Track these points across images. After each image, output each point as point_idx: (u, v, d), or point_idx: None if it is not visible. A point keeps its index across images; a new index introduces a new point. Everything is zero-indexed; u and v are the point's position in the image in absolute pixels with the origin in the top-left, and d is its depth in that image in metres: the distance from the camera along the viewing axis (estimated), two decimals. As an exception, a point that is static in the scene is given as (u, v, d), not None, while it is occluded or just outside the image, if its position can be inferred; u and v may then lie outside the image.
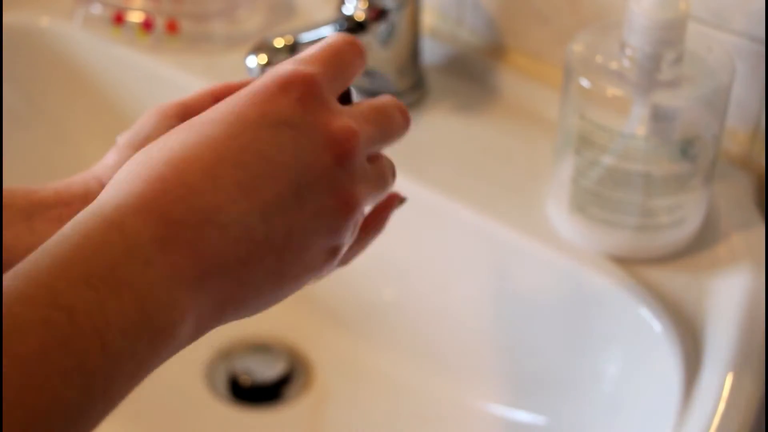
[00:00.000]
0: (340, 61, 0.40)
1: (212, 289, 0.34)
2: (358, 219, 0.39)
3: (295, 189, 0.36)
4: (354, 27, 0.69)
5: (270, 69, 0.38)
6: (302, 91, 0.37)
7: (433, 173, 0.69)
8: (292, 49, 0.65)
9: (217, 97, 0.43)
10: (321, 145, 0.37)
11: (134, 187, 0.34)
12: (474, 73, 0.77)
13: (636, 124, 0.58)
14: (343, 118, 0.38)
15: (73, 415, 0.29)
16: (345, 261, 0.44)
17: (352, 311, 0.75)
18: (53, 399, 0.29)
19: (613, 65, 0.58)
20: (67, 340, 0.29)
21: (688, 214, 0.61)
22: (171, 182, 0.34)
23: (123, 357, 0.31)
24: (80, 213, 0.33)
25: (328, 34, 0.68)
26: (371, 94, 0.74)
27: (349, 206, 0.38)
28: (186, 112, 0.43)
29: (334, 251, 0.39)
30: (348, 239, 0.39)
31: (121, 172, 0.35)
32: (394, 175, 0.43)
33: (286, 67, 0.38)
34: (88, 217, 0.33)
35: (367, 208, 0.42)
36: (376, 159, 0.41)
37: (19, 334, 0.29)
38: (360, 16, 0.69)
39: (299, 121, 0.37)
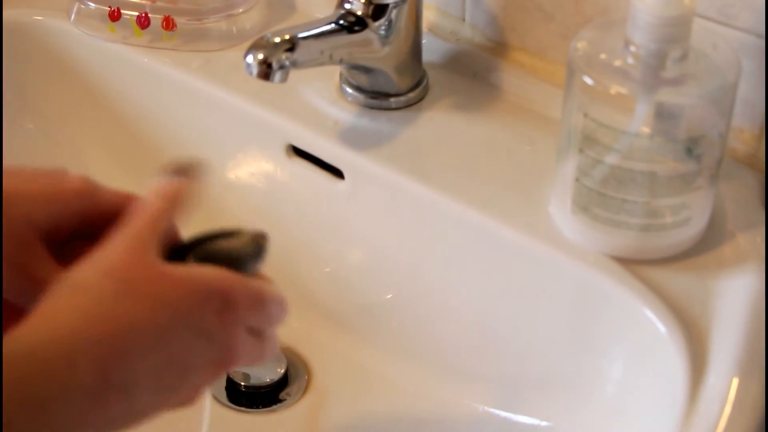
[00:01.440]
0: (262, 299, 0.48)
1: (84, 424, 0.41)
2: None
3: (183, 383, 0.46)
4: (354, 23, 0.69)
5: (200, 272, 0.46)
6: (236, 315, 0.46)
7: (434, 172, 0.68)
8: (291, 46, 0.65)
9: (123, 209, 0.48)
10: (219, 362, 0.46)
11: (91, 331, 0.41)
12: (476, 71, 0.76)
13: (640, 122, 0.57)
14: (240, 344, 0.47)
15: None
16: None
17: (351, 312, 0.75)
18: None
19: (617, 63, 0.57)
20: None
21: (693, 213, 0.60)
22: (119, 345, 0.42)
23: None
24: (42, 322, 0.41)
25: (327, 30, 0.68)
26: (372, 92, 0.73)
27: (199, 395, 0.48)
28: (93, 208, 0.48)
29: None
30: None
31: (79, 293, 0.42)
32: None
33: (240, 284, 0.46)
34: (48, 338, 0.40)
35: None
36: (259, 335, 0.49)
37: None
38: (360, 12, 0.69)
39: (220, 339, 0.45)
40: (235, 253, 0.49)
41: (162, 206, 0.47)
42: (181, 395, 0.47)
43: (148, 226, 0.45)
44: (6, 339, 0.40)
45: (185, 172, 0.49)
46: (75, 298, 0.42)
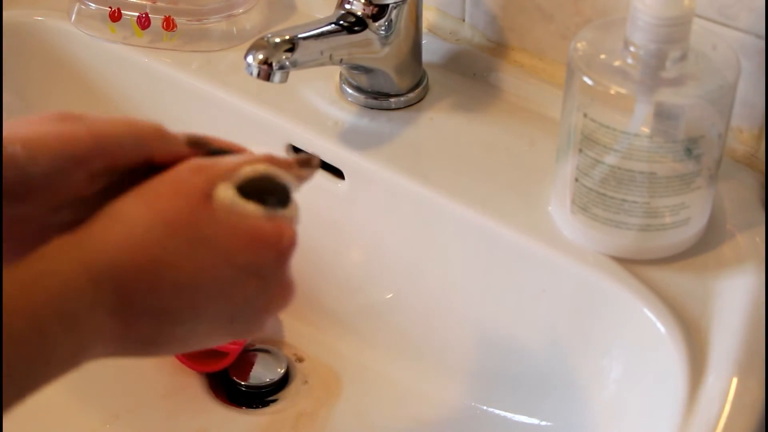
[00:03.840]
0: None
1: (120, 349, 0.42)
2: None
3: (231, 320, 0.45)
4: (354, 23, 0.69)
5: (270, 213, 0.45)
6: (287, 252, 0.46)
7: (434, 172, 0.68)
8: (292, 46, 0.65)
9: (142, 145, 0.46)
10: (272, 301, 0.46)
11: (118, 258, 0.41)
12: (476, 71, 0.76)
13: (640, 122, 0.57)
14: (292, 279, 0.47)
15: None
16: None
17: (351, 312, 0.75)
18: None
19: (617, 63, 0.57)
20: (33, 352, 0.38)
21: (692, 214, 0.60)
22: (146, 276, 0.41)
23: (48, 372, 0.40)
24: (68, 244, 0.41)
25: (327, 30, 0.68)
26: (372, 92, 0.73)
27: (260, 329, 0.47)
28: (102, 164, 0.46)
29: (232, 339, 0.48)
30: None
31: (118, 220, 0.42)
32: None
33: (284, 221, 0.46)
34: (72, 256, 0.40)
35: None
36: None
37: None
38: (360, 12, 0.69)
39: (271, 277, 0.45)
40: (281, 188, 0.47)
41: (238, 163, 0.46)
42: (240, 327, 0.46)
43: (206, 176, 0.44)
44: (37, 255, 0.40)
45: (305, 163, 0.49)
46: (105, 222, 0.42)
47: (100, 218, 0.42)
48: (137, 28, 0.81)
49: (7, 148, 0.42)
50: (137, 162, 0.46)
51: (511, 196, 0.66)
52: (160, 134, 0.47)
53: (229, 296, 0.44)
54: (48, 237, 0.42)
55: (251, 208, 0.45)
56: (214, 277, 0.43)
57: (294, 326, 0.77)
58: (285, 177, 0.48)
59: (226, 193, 0.44)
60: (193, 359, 0.73)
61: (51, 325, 0.39)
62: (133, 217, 0.42)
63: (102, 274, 0.40)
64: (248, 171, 0.46)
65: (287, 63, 0.65)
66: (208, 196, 0.43)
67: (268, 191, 0.46)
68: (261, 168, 0.47)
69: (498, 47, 0.76)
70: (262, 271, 0.45)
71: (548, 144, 0.68)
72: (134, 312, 0.41)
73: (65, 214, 0.45)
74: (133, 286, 0.41)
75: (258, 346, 0.75)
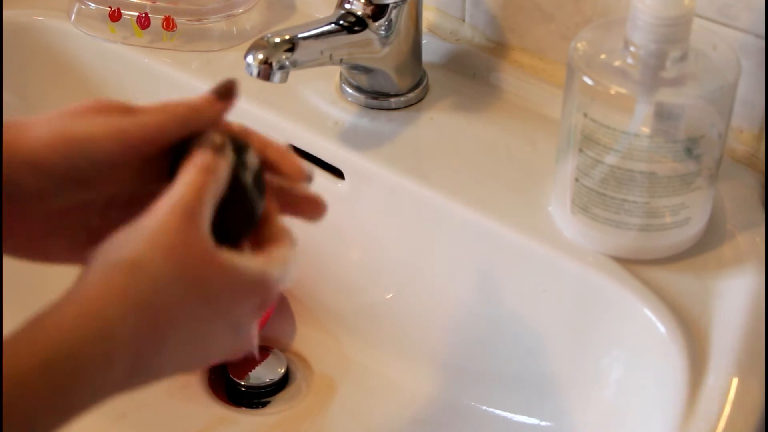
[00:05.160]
0: None
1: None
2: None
3: (202, 363, 0.47)
4: (354, 23, 0.69)
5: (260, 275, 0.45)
6: (263, 304, 0.47)
7: (434, 172, 0.68)
8: (291, 46, 0.65)
9: (186, 125, 0.47)
10: (236, 348, 0.47)
11: (126, 296, 0.41)
12: (476, 71, 0.76)
13: (640, 122, 0.57)
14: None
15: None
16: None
17: (351, 312, 0.75)
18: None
19: (617, 63, 0.57)
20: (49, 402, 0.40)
21: (692, 214, 0.60)
22: (148, 314, 0.41)
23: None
24: (91, 312, 0.41)
25: (327, 30, 0.68)
26: (372, 92, 0.73)
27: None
28: (152, 150, 0.47)
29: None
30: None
31: (118, 267, 0.42)
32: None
33: (265, 275, 0.46)
34: (93, 324, 0.40)
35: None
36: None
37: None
38: (360, 12, 0.69)
39: (244, 326, 0.47)
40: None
41: (212, 173, 0.45)
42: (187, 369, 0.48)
43: (200, 196, 0.43)
44: (51, 309, 0.40)
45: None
46: (127, 279, 0.41)
47: (113, 267, 0.42)
48: (137, 28, 0.81)
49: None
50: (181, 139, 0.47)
51: (511, 196, 0.66)
52: (194, 110, 0.48)
53: (207, 343, 0.45)
54: (104, 234, 0.43)
55: (252, 262, 0.45)
56: (201, 320, 0.44)
57: (293, 326, 0.77)
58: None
59: (229, 254, 0.44)
60: None
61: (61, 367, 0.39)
62: (137, 260, 0.42)
63: (110, 308, 0.41)
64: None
65: (287, 63, 0.65)
66: (212, 249, 0.44)
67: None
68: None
69: (498, 47, 0.76)
70: (241, 321, 0.46)
71: (548, 144, 0.68)
72: (138, 353, 0.42)
73: (120, 211, 0.47)
74: (137, 323, 0.41)
75: (258, 345, 0.75)
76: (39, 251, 0.47)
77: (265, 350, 0.74)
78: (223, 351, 0.47)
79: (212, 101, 0.49)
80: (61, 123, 0.44)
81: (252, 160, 0.47)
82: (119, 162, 0.45)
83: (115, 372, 0.41)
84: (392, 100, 0.73)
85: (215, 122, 0.48)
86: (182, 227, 0.42)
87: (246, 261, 0.45)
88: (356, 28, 0.69)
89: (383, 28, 0.70)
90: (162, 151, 0.47)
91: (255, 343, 0.48)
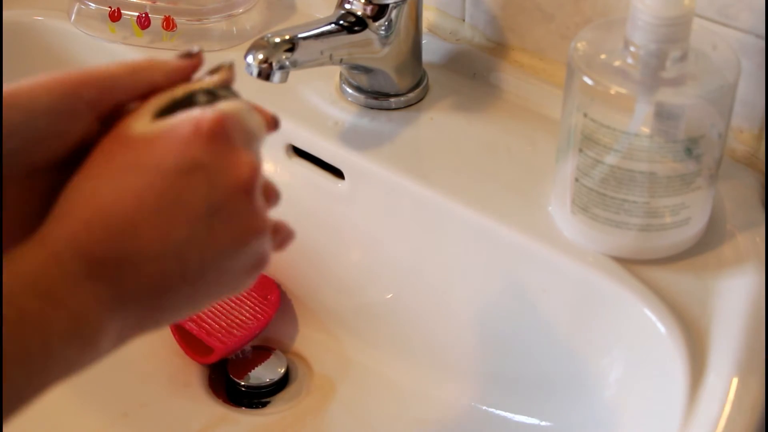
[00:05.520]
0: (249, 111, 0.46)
1: (130, 313, 0.41)
2: (268, 234, 0.45)
3: (208, 225, 0.42)
4: (354, 23, 0.69)
5: (182, 114, 0.43)
6: (212, 132, 0.42)
7: (434, 172, 0.68)
8: (291, 46, 0.65)
9: (137, 73, 0.46)
10: (230, 182, 0.42)
11: (67, 227, 0.40)
12: (476, 71, 0.76)
13: (640, 122, 0.57)
14: (246, 154, 0.43)
15: (10, 393, 0.37)
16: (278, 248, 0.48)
17: (351, 312, 0.75)
18: None
19: (617, 63, 0.57)
20: (18, 333, 0.37)
21: (692, 213, 0.60)
22: (96, 226, 0.40)
23: (56, 356, 0.39)
24: (31, 240, 0.40)
25: (327, 30, 0.68)
26: (372, 92, 0.73)
27: (258, 228, 0.44)
28: (102, 98, 0.45)
29: (255, 266, 0.45)
30: (266, 250, 0.45)
31: (57, 206, 0.41)
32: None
33: (198, 111, 0.43)
34: (35, 246, 0.40)
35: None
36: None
37: None
38: (360, 12, 0.69)
39: (209, 161, 0.42)
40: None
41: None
42: (221, 241, 0.42)
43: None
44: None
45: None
46: (55, 208, 0.41)
47: (48, 216, 0.42)
48: (137, 28, 0.81)
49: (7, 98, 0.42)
50: (140, 94, 0.45)
51: (511, 196, 0.66)
52: (152, 62, 0.47)
53: (183, 202, 0.41)
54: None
55: (175, 118, 0.42)
56: (156, 193, 0.41)
57: (294, 326, 0.77)
58: (209, 85, 0.46)
59: (138, 122, 0.43)
60: (190, 348, 0.73)
61: (29, 302, 0.38)
62: (67, 196, 0.41)
63: (57, 245, 0.40)
64: (163, 98, 0.44)
65: (287, 63, 0.65)
66: (126, 137, 0.42)
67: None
68: (178, 92, 0.45)
69: (498, 47, 0.76)
70: (198, 159, 0.42)
71: (548, 144, 0.68)
72: (108, 264, 0.40)
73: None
74: (88, 241, 0.40)
75: (258, 345, 0.75)
76: None
77: (265, 350, 0.74)
78: (225, 205, 0.42)
79: (170, 60, 0.47)
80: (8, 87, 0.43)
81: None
82: (62, 111, 0.43)
83: (75, 281, 0.39)
84: (392, 100, 0.73)
85: (171, 79, 0.46)
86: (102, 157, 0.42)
87: (165, 120, 0.43)
88: (356, 28, 0.69)
89: (383, 28, 0.70)
90: (118, 105, 0.44)
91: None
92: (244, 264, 0.44)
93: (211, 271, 0.42)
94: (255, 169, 0.43)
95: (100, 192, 0.41)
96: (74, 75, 0.44)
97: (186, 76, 0.47)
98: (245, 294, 0.76)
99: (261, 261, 0.45)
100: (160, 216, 0.41)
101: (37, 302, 0.38)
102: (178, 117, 0.43)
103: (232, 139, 0.43)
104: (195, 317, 0.74)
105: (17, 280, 0.38)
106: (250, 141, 0.45)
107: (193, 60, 0.48)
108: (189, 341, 0.74)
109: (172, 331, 0.75)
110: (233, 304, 0.76)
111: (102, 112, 0.44)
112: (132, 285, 0.41)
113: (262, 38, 0.65)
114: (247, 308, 0.75)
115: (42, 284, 0.39)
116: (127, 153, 0.42)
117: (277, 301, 0.76)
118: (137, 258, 0.40)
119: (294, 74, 0.66)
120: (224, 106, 0.44)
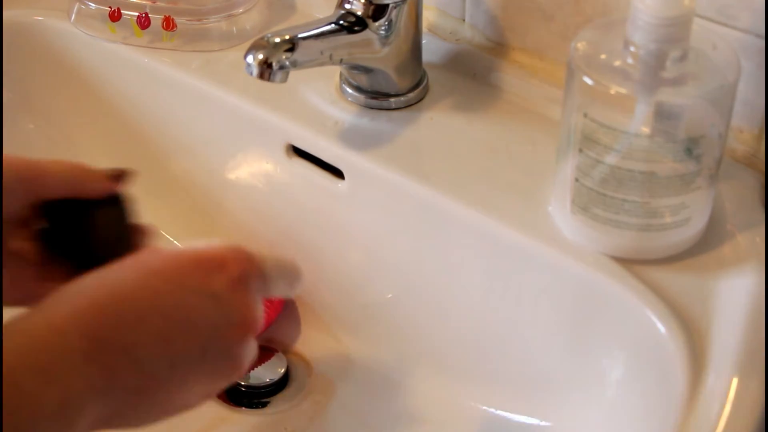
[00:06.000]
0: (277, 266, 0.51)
1: (110, 405, 0.43)
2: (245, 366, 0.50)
3: (202, 351, 0.46)
4: (354, 23, 0.69)
5: (215, 244, 0.48)
6: (238, 278, 0.47)
7: (434, 172, 0.68)
8: (291, 46, 0.65)
9: (68, 178, 0.53)
10: (235, 324, 0.47)
11: (78, 305, 0.43)
12: (476, 71, 0.76)
13: (640, 122, 0.57)
14: (256, 308, 0.49)
15: None
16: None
17: (351, 312, 0.75)
18: None
19: (617, 63, 0.57)
20: (11, 409, 0.38)
21: (692, 214, 0.60)
22: (108, 312, 0.43)
23: (39, 429, 0.40)
24: (34, 313, 0.43)
25: (327, 30, 0.68)
26: (372, 92, 0.73)
27: (240, 368, 0.49)
28: (31, 191, 0.53)
29: (216, 391, 0.49)
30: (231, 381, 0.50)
31: (73, 285, 0.44)
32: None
33: (229, 249, 0.48)
34: (39, 320, 0.42)
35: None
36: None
37: None
38: (360, 12, 0.69)
39: (226, 298, 0.47)
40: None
41: None
42: (218, 364, 0.47)
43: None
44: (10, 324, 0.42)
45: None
46: (64, 290, 0.45)
47: (52, 295, 0.44)
48: (137, 28, 0.81)
49: None
50: (64, 194, 0.52)
51: (511, 196, 0.66)
52: (84, 170, 0.53)
53: (191, 321, 0.45)
54: None
55: (211, 246, 0.49)
56: (172, 303, 0.45)
57: (294, 326, 0.77)
58: None
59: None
60: None
61: (25, 378, 0.39)
62: (83, 281, 0.45)
63: (65, 322, 0.42)
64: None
65: (287, 63, 0.65)
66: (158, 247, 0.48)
67: None
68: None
69: (498, 47, 0.76)
70: (217, 292, 0.47)
71: (548, 144, 0.68)
72: (107, 351, 0.42)
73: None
74: (97, 324, 0.43)
75: (258, 345, 0.75)
76: None
77: (266, 351, 0.74)
78: (218, 331, 0.46)
79: (103, 178, 0.53)
80: None
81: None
82: (7, 188, 0.49)
83: (73, 343, 0.42)
84: (392, 100, 0.73)
85: (96, 191, 0.53)
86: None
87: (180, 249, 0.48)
88: (356, 28, 0.69)
89: (383, 28, 0.70)
90: (45, 203, 0.51)
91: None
92: (211, 391, 0.48)
93: (186, 389, 0.46)
94: (259, 320, 0.49)
95: (122, 282, 0.45)
96: (14, 164, 0.50)
97: (107, 193, 0.54)
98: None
99: (218, 390, 0.49)
100: (168, 323, 0.44)
101: (33, 379, 0.40)
102: (213, 245, 0.48)
103: (251, 289, 0.48)
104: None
105: (16, 355, 0.40)
106: (266, 288, 0.50)
107: (120, 182, 0.54)
108: None
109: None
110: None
111: (32, 201, 0.51)
112: (123, 377, 0.43)
113: (262, 38, 0.65)
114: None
115: (41, 360, 0.41)
116: (156, 260, 0.46)
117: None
118: (137, 353, 0.43)
119: (294, 74, 0.66)
120: (258, 257, 0.50)
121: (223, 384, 0.48)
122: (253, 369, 0.73)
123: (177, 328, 0.45)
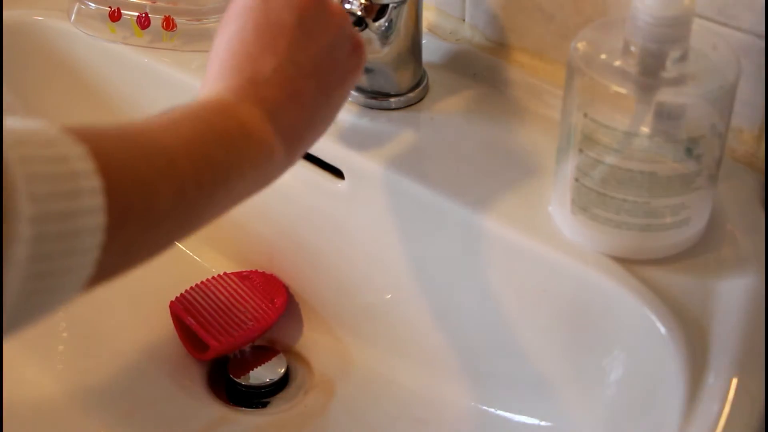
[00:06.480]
0: None
1: (285, 117, 0.52)
2: (349, 20, 0.59)
3: (301, 29, 0.54)
4: (354, 23, 0.69)
5: None
6: (349, 33, 0.57)
7: (434, 172, 0.68)
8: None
9: None
10: (348, 38, 0.57)
11: (217, 79, 0.53)
12: (476, 71, 0.76)
13: (640, 122, 0.57)
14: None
15: (208, 186, 0.47)
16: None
17: (351, 312, 0.75)
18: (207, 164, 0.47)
19: (617, 63, 0.57)
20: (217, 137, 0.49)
21: (692, 214, 0.60)
22: (231, 68, 0.53)
23: (241, 162, 0.49)
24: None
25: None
26: (372, 92, 0.73)
27: (341, 15, 0.57)
28: None
29: (355, 48, 0.58)
30: (356, 33, 0.59)
31: (215, 55, 0.54)
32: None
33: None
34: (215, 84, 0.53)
35: None
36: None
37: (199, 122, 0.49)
38: (360, 12, 0.69)
39: (332, 16, 0.56)
40: None
41: None
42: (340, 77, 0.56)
43: None
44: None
45: None
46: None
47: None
48: (137, 28, 0.81)
49: None
50: None
51: (511, 196, 0.66)
52: None
53: (279, 23, 0.54)
54: None
55: None
56: (253, 24, 0.54)
57: (294, 326, 0.77)
58: None
59: None
60: (190, 344, 0.73)
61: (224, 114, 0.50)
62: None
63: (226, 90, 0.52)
64: None
65: (287, 63, 0.65)
66: None
67: None
68: None
69: (498, 47, 0.76)
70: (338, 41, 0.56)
71: (548, 144, 0.68)
72: (248, 86, 0.52)
73: None
74: (233, 81, 0.52)
75: (258, 345, 0.75)
76: None
77: (266, 350, 0.75)
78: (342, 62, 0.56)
79: None
80: None
81: None
82: None
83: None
84: (392, 100, 0.73)
85: None
86: None
87: None
88: (356, 28, 0.69)
89: (383, 28, 0.70)
90: None
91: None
92: (344, 48, 0.57)
93: (322, 62, 0.55)
94: (362, 43, 0.58)
95: (219, 46, 0.54)
96: None
97: None
98: (251, 294, 0.76)
99: (357, 42, 0.58)
100: (263, 40, 0.53)
101: (225, 122, 0.49)
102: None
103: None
104: (197, 314, 0.74)
105: (214, 102, 0.50)
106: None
107: None
108: (189, 337, 0.74)
109: (174, 326, 0.75)
110: (237, 303, 0.76)
111: None
112: (269, 95, 0.52)
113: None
114: (251, 309, 0.75)
115: (230, 104, 0.51)
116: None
117: (282, 306, 0.76)
118: (262, 76, 0.52)
119: (294, 74, 0.66)
120: None
121: (344, 33, 0.57)
122: (253, 369, 0.73)
123: (270, 35, 0.53)
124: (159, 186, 0.43)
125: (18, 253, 0.36)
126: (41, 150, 0.38)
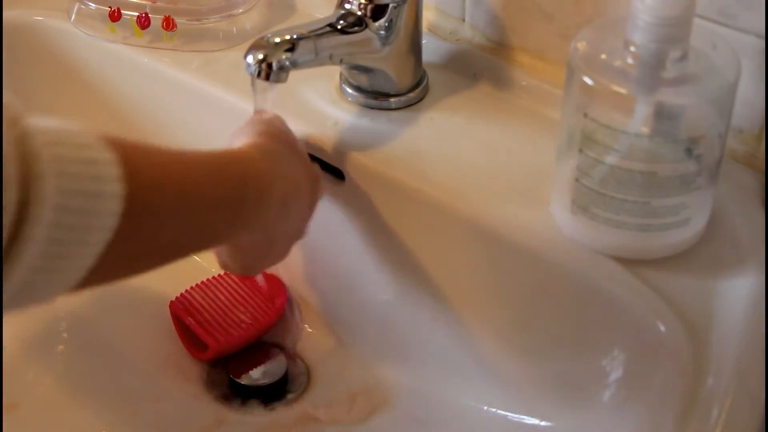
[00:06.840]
0: None
1: (280, 188, 0.60)
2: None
3: (297, 164, 0.64)
4: (354, 23, 0.69)
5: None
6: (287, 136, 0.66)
7: (434, 172, 0.68)
8: (291, 46, 0.65)
9: None
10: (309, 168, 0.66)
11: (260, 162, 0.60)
12: (476, 71, 0.76)
13: (640, 122, 0.57)
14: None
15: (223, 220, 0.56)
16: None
17: (350, 312, 0.75)
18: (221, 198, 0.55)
19: (617, 63, 0.57)
20: (252, 190, 0.58)
21: (692, 214, 0.60)
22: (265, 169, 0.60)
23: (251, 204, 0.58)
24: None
25: (327, 30, 0.68)
26: (372, 92, 0.73)
27: (308, 163, 0.66)
28: None
29: (315, 182, 0.66)
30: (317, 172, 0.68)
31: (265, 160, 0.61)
32: None
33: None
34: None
35: None
36: None
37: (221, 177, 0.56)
38: (360, 12, 0.69)
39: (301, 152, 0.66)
40: None
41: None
42: (298, 216, 0.64)
43: None
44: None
45: None
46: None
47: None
48: (137, 28, 0.81)
49: None
50: None
51: (512, 195, 0.66)
52: None
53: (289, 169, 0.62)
54: None
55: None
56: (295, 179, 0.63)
57: (294, 326, 0.77)
58: None
59: None
60: (190, 343, 0.73)
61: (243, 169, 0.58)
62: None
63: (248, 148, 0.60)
64: None
65: (287, 63, 0.65)
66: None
67: None
68: None
69: (498, 47, 0.76)
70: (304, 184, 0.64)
71: (548, 144, 0.68)
72: (269, 155, 0.60)
73: None
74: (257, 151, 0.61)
75: (258, 345, 0.75)
76: None
77: (266, 350, 0.74)
78: (305, 180, 0.64)
79: None
80: None
81: None
82: None
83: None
84: (392, 100, 0.73)
85: None
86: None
87: None
88: (356, 28, 0.69)
89: (383, 28, 0.70)
90: None
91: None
92: (312, 188, 0.65)
93: (298, 191, 0.63)
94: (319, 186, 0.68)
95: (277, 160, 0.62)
96: None
97: None
98: (251, 294, 0.77)
99: (316, 177, 0.66)
100: (290, 181, 0.62)
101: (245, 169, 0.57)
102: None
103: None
104: (197, 314, 0.74)
105: (235, 160, 0.58)
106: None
107: None
108: (189, 337, 0.74)
109: (174, 325, 0.75)
110: (237, 303, 0.76)
111: None
112: (279, 175, 0.60)
113: (262, 38, 0.65)
114: (251, 309, 0.75)
115: (244, 160, 0.58)
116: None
117: (282, 307, 0.76)
118: (281, 171, 0.61)
119: (294, 74, 0.66)
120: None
121: (311, 174, 0.65)
122: (253, 369, 0.73)
123: (294, 184, 0.62)
124: (168, 217, 0.49)
125: (38, 233, 0.42)
126: (74, 151, 0.44)
